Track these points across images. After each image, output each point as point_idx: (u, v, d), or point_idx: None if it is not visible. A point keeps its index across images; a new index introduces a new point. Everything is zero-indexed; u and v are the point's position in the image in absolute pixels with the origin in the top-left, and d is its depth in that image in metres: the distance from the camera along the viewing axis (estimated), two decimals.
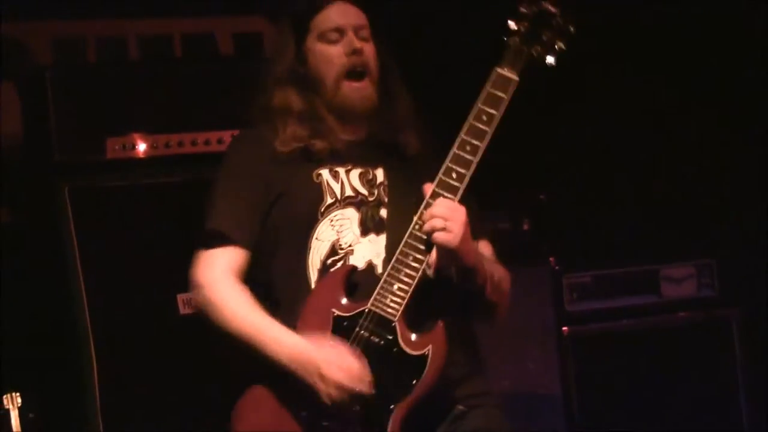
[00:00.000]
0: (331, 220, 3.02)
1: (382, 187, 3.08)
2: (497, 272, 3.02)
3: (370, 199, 3.06)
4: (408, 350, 2.85)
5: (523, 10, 2.92)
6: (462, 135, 2.89)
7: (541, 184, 4.71)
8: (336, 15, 3.08)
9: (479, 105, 2.90)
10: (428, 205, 2.87)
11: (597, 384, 4.39)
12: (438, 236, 2.83)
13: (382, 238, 3.02)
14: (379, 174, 3.10)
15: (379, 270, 2.98)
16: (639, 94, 4.82)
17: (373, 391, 2.82)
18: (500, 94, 2.89)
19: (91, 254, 3.98)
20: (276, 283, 3.05)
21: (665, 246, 4.62)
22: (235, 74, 4.16)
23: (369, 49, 3.08)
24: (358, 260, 2.99)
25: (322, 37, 3.07)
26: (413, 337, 2.86)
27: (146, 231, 4.02)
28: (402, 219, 2.96)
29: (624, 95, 4.82)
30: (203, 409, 3.84)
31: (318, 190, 3.04)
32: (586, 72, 4.81)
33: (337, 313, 2.91)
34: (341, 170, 3.07)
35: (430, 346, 2.85)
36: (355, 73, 3.06)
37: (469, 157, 2.88)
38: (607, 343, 4.43)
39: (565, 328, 4.38)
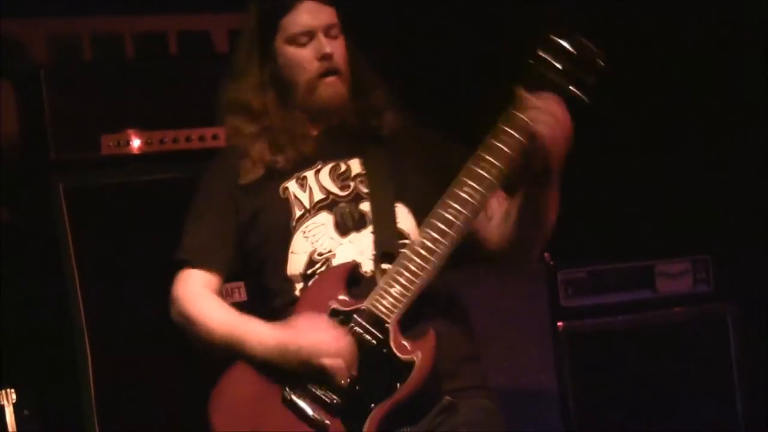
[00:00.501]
0: (304, 232, 3.00)
1: (358, 180, 3.05)
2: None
3: (344, 194, 3.04)
4: (397, 353, 2.83)
5: (553, 38, 2.86)
6: (479, 151, 2.84)
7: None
8: (304, 16, 3.03)
9: (500, 124, 2.83)
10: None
11: (593, 379, 4.38)
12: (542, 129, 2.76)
13: (365, 234, 3.00)
14: (354, 165, 3.07)
15: (365, 268, 2.96)
16: (635, 90, 4.82)
17: (354, 373, 2.82)
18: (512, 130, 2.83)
19: (86, 251, 3.99)
20: (269, 295, 3.06)
21: (661, 241, 4.63)
22: (231, 71, 4.16)
23: (339, 47, 3.06)
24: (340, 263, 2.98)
25: (292, 41, 3.05)
26: (404, 341, 2.85)
27: (141, 227, 4.03)
28: (387, 210, 2.96)
29: (620, 92, 4.81)
30: (199, 406, 3.84)
31: (285, 206, 3.03)
32: None
33: (334, 305, 2.91)
34: (309, 173, 3.05)
35: (418, 353, 2.83)
36: (326, 74, 3.04)
37: (486, 174, 2.84)
38: (603, 338, 4.42)
39: (560, 324, 4.38)
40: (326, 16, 3.05)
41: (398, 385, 2.82)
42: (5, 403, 3.71)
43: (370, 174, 3.04)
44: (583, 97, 2.86)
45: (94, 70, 4.22)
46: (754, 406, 4.55)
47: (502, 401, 3.11)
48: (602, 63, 2.84)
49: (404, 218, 3.02)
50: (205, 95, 4.13)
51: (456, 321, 3.03)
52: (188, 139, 4.13)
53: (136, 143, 4.09)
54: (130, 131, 4.08)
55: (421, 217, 2.96)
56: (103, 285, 4.00)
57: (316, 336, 2.83)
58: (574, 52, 2.84)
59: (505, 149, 2.83)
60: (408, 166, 3.04)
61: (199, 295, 3.04)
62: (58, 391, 4.05)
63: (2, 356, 3.88)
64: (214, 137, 4.10)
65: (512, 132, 2.82)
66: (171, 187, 4.06)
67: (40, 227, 4.11)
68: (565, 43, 2.85)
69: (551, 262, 4.40)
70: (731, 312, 4.56)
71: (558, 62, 2.85)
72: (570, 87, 2.85)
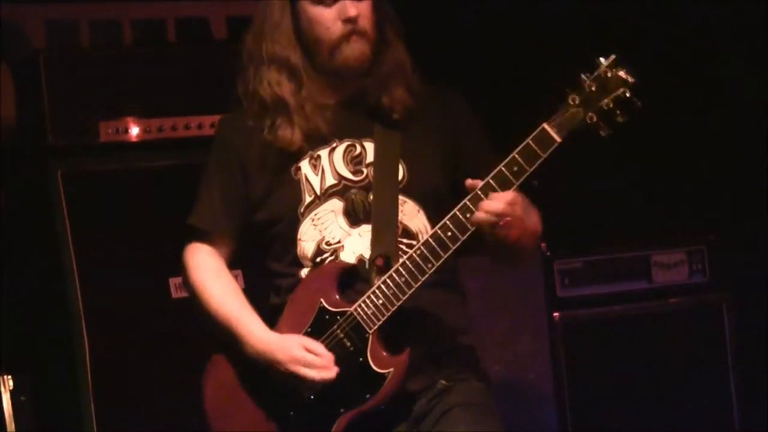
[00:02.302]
0: (313, 219, 2.99)
1: (371, 168, 3.00)
2: (533, 221, 2.96)
3: (357, 179, 3.01)
4: (372, 364, 2.87)
5: (597, 70, 2.82)
6: (489, 178, 2.81)
7: (533, 170, 4.70)
8: None
9: (514, 154, 2.82)
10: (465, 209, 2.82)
11: (588, 369, 4.39)
12: (497, 233, 2.79)
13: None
14: (369, 149, 3.01)
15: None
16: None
17: (333, 376, 2.86)
18: (538, 150, 2.82)
19: (83, 237, 3.99)
20: (275, 275, 3.07)
21: (656, 232, 4.63)
22: (229, 58, 4.16)
23: (365, 8, 2.96)
24: (348, 256, 2.96)
25: (317, 1, 2.95)
26: (382, 353, 2.88)
27: (138, 214, 4.04)
28: (387, 206, 2.95)
29: None
30: (195, 391, 3.85)
31: (296, 189, 3.00)
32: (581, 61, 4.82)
33: (323, 304, 2.93)
34: (324, 152, 3.00)
35: (391, 370, 2.86)
36: (349, 36, 2.95)
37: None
38: (598, 328, 4.43)
39: (556, 314, 4.39)
40: None
41: (367, 396, 2.87)
42: (2, 389, 3.71)
43: (377, 163, 2.99)
44: (604, 129, 2.84)
45: (92, 56, 4.22)
46: (749, 396, 4.57)
47: (498, 390, 3.12)
48: (639, 103, 2.81)
49: (412, 215, 3.00)
50: (203, 82, 4.16)
51: (451, 305, 3.04)
52: (187, 127, 4.13)
53: (134, 131, 4.09)
54: (129, 119, 4.08)
55: (429, 213, 2.98)
56: (100, 271, 4.00)
57: (300, 354, 2.87)
58: (610, 82, 2.81)
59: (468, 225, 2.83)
60: (421, 156, 3.00)
61: (207, 268, 3.05)
62: (54, 377, 4.06)
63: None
64: (212, 125, 4.09)
65: (467, 224, 2.83)
66: (169, 174, 4.07)
67: (38, 213, 4.11)
68: (603, 71, 2.82)
69: (548, 253, 4.40)
70: (727, 302, 4.57)
71: (591, 91, 2.81)
72: (594, 119, 2.83)
